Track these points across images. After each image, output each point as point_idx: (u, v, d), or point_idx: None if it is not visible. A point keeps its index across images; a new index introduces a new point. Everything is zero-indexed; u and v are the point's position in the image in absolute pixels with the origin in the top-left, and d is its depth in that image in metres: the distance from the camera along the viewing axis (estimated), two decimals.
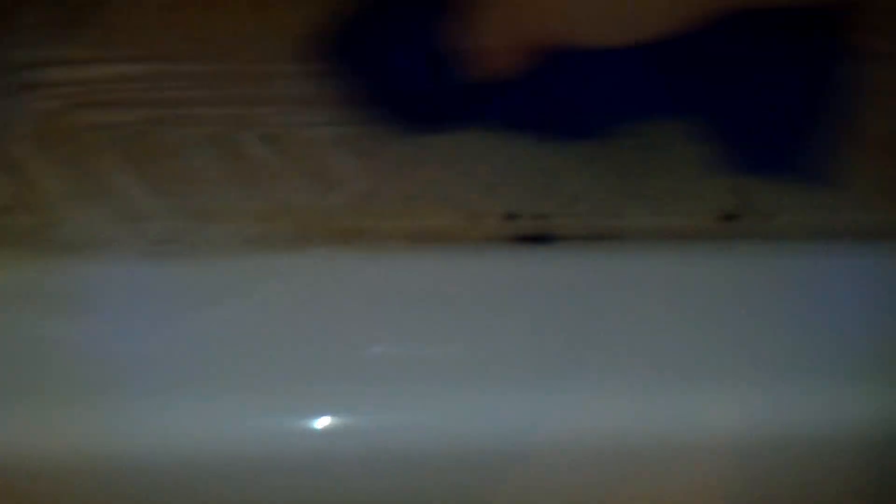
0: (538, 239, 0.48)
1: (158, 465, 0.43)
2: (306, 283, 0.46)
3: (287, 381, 0.44)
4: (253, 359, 0.44)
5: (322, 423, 0.43)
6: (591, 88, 0.49)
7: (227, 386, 0.43)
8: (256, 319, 0.45)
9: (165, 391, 0.43)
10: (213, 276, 0.46)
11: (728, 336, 0.45)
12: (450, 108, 0.50)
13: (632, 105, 0.50)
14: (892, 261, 0.47)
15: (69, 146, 0.50)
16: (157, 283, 0.46)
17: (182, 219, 0.48)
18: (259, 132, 0.51)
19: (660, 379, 0.44)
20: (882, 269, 0.47)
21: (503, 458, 0.44)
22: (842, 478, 0.46)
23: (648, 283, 0.47)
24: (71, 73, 0.54)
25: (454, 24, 0.46)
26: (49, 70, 0.54)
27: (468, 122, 0.51)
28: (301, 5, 0.56)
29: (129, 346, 0.44)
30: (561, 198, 0.49)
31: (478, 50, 0.46)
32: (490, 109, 0.51)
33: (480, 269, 0.47)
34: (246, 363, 0.44)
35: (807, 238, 0.48)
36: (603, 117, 0.50)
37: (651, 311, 0.46)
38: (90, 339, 0.44)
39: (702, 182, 0.50)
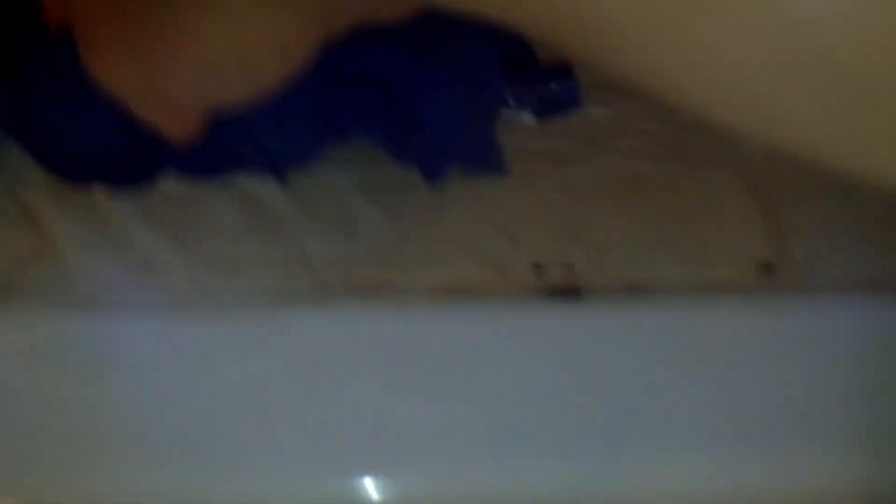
0: (566, 291, 0.46)
1: None
2: (328, 337, 0.45)
3: (306, 438, 0.42)
4: (272, 415, 0.43)
5: (340, 482, 0.42)
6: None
7: (245, 443, 0.42)
8: (276, 375, 0.44)
9: (183, 449, 0.42)
10: (233, 331, 0.45)
11: (766, 394, 0.43)
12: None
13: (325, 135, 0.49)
14: None
15: (87, 198, 0.49)
16: (177, 337, 0.45)
17: (201, 271, 0.47)
18: (279, 183, 0.50)
19: (692, 439, 0.43)
20: None
21: None
22: None
23: (680, 337, 0.46)
24: None
25: None
26: None
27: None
28: None
29: (149, 403, 0.43)
30: (588, 247, 0.48)
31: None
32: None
33: (508, 324, 0.46)
34: (265, 420, 0.43)
35: (850, 289, 0.46)
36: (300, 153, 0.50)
37: (683, 366, 0.44)
38: (109, 397, 0.43)
39: (736, 231, 0.49)
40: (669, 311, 0.46)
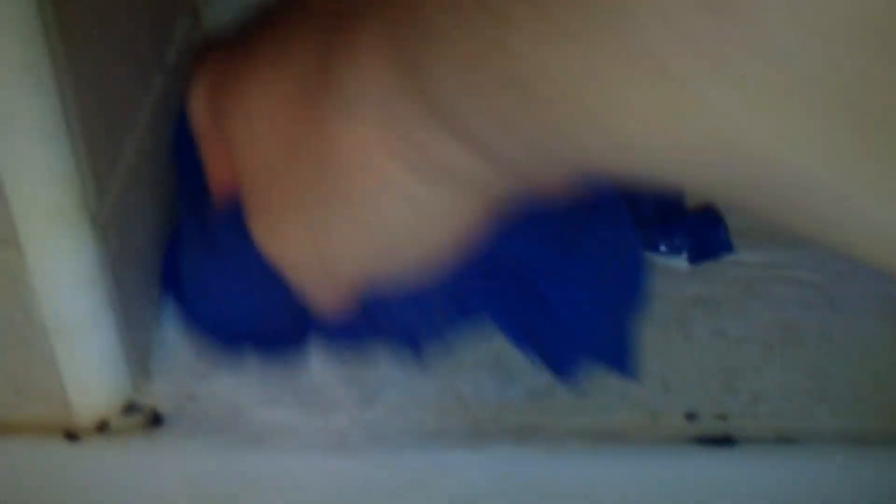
0: (720, 441, 0.47)
1: None
2: (481, 479, 0.46)
3: None
4: None
5: None
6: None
7: None
8: None
9: None
10: (392, 470, 0.46)
11: None
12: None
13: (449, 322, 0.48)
14: None
15: None
16: (338, 475, 0.46)
17: (363, 410, 0.48)
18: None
19: None
20: None
21: None
22: None
23: (834, 489, 0.45)
24: None
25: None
26: None
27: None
28: None
29: None
30: (742, 397, 0.48)
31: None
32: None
33: (661, 471, 0.46)
34: None
35: None
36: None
37: None
38: None
39: (892, 383, 0.48)
40: (821, 461, 0.45)
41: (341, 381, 0.50)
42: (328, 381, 0.50)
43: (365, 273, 0.43)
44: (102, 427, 0.49)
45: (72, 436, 0.48)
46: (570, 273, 0.46)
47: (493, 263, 0.45)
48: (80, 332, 0.47)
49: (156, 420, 0.49)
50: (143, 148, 0.50)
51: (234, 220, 0.45)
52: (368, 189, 0.38)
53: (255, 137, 0.42)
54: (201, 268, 0.50)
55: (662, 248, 0.57)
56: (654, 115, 0.26)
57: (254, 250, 0.44)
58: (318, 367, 0.50)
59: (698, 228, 0.57)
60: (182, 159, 0.52)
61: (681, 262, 0.56)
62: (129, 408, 0.49)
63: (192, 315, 0.52)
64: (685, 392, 0.49)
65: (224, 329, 0.51)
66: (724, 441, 0.47)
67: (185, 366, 0.51)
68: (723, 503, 0.45)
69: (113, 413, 0.49)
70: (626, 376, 0.48)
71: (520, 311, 0.47)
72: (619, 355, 0.48)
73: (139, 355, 0.50)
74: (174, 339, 0.52)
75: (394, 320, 0.47)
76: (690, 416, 0.48)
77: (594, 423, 0.48)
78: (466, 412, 0.48)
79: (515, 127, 0.31)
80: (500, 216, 0.40)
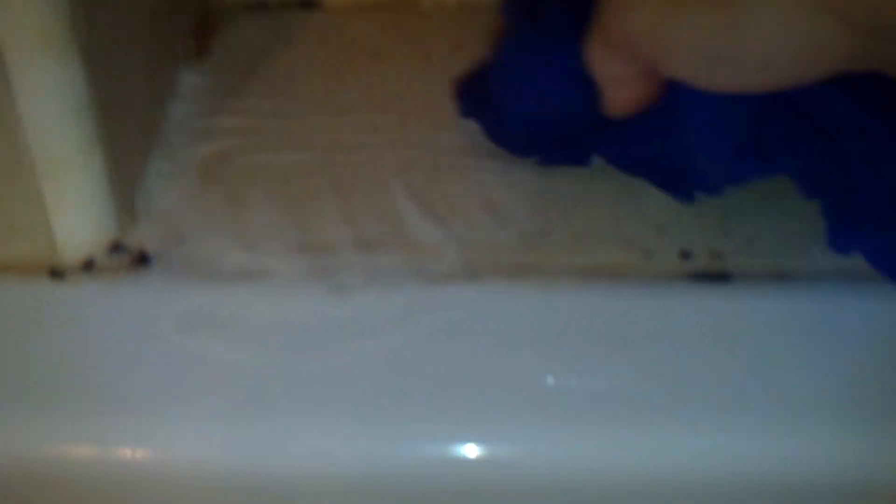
0: (715, 277, 0.46)
1: (306, 486, 0.43)
2: (476, 313, 0.45)
3: (450, 409, 0.43)
4: (416, 387, 0.43)
5: (479, 452, 0.42)
6: (706, 138, 0.47)
7: (388, 413, 0.43)
8: (423, 349, 0.44)
9: (326, 415, 0.43)
10: (382, 307, 0.46)
11: None
12: (584, 146, 0.51)
13: (745, 162, 0.47)
14: None
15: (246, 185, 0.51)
16: (327, 311, 0.46)
17: (354, 250, 0.48)
18: (427, 174, 0.52)
19: (840, 422, 0.42)
20: None
21: (654, 491, 0.42)
22: None
23: (830, 325, 0.45)
24: (240, 122, 0.56)
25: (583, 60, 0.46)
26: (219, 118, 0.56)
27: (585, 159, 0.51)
28: (463, 56, 0.58)
29: (297, 370, 0.44)
30: (738, 237, 0.48)
31: (609, 83, 0.46)
32: (607, 148, 0.50)
33: (655, 307, 0.45)
34: (409, 391, 0.43)
35: None
36: (719, 173, 0.48)
37: (835, 353, 0.44)
38: (257, 361, 0.44)
39: None
40: (817, 297, 0.45)
41: (335, 222, 0.49)
42: (322, 219, 0.49)
43: (699, 78, 0.42)
44: (88, 266, 0.48)
45: (57, 274, 0.47)
46: (882, 140, 0.44)
47: (806, 115, 0.45)
48: (68, 166, 0.46)
49: (142, 260, 0.48)
50: None
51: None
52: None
53: None
54: (521, 61, 0.50)
55: None
56: None
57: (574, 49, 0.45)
58: (313, 206, 0.50)
59: None
60: None
61: None
62: (116, 247, 0.48)
63: (491, 118, 0.52)
64: (679, 233, 0.48)
65: (517, 131, 0.51)
66: (719, 277, 0.46)
67: (172, 208, 0.50)
68: (718, 339, 0.44)
69: (99, 252, 0.48)
70: None
71: (820, 168, 0.45)
72: None
73: (126, 194, 0.49)
74: (162, 182, 0.52)
75: (682, 151, 0.47)
76: (685, 255, 0.47)
77: (588, 262, 0.47)
78: (458, 251, 0.48)
79: None
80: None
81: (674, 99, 0.45)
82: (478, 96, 0.54)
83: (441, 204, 0.50)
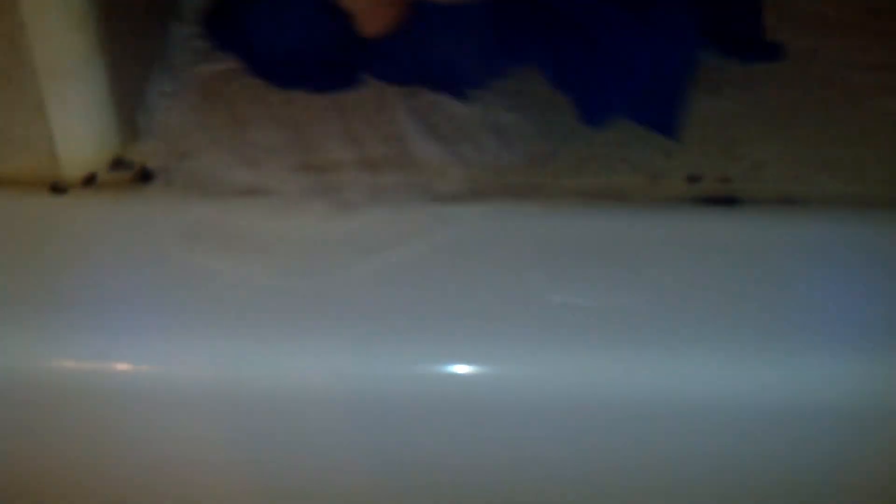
0: (722, 201, 0.46)
1: (299, 398, 0.43)
2: (481, 231, 0.45)
3: (452, 328, 0.42)
4: (419, 305, 0.43)
5: (479, 370, 0.42)
6: (455, 41, 0.49)
7: (392, 330, 0.42)
8: (427, 268, 0.44)
9: (328, 332, 0.42)
10: (385, 225, 0.45)
11: None
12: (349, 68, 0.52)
13: (495, 58, 0.50)
14: None
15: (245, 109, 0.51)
16: (331, 228, 0.45)
17: (358, 170, 0.47)
18: (431, 95, 0.51)
19: (843, 345, 0.42)
20: None
21: (657, 412, 0.42)
22: None
23: (835, 248, 0.45)
24: None
25: None
26: None
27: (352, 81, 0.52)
28: None
29: (301, 285, 0.44)
30: (746, 163, 0.48)
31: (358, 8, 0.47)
32: (373, 68, 0.52)
33: (661, 229, 0.45)
34: (412, 309, 0.43)
35: None
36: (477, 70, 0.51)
37: (840, 277, 0.44)
38: (259, 277, 0.44)
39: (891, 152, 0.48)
40: (823, 221, 0.45)
41: (341, 141, 0.49)
42: (338, 140, 0.49)
43: None
44: (90, 181, 0.47)
45: (59, 188, 0.47)
46: (627, 27, 0.47)
47: (551, 11, 0.47)
48: (70, 75, 0.45)
49: (144, 176, 0.48)
50: None
51: None
52: None
53: None
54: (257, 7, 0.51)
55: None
56: None
57: None
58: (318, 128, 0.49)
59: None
60: None
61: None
62: (118, 163, 0.48)
63: (250, 56, 0.53)
64: (687, 158, 0.48)
65: (282, 67, 0.52)
66: (726, 201, 0.46)
67: (175, 125, 0.50)
68: (725, 262, 0.44)
69: (101, 167, 0.48)
70: (667, 136, 0.48)
71: (567, 56, 0.48)
72: (660, 113, 0.48)
73: (128, 110, 0.49)
74: (164, 100, 0.51)
75: (440, 56, 0.49)
76: (692, 179, 0.47)
77: (593, 184, 0.47)
78: (467, 173, 0.47)
79: None
80: None
81: (422, 12, 0.47)
82: (229, 29, 0.54)
83: (446, 125, 0.50)
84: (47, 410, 0.44)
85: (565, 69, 0.47)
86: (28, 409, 0.44)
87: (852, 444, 0.42)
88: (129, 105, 0.49)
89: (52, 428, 0.44)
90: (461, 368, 0.42)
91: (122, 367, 0.43)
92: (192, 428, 0.43)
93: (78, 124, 0.46)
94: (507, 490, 0.44)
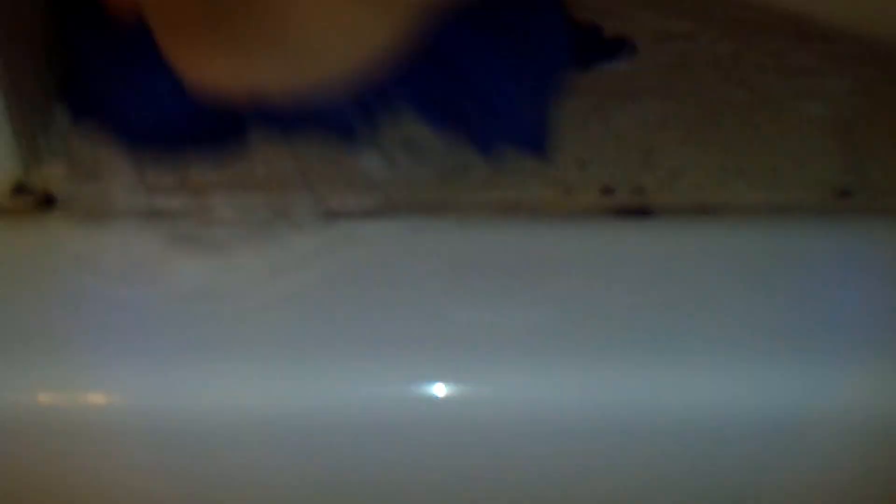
0: (636, 212, 0.45)
1: (238, 429, 0.42)
2: (392, 248, 0.44)
3: (368, 347, 0.42)
4: (328, 325, 0.42)
5: (401, 389, 0.41)
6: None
7: (299, 352, 0.42)
8: (339, 286, 0.43)
9: (233, 357, 0.42)
10: (297, 245, 0.44)
11: (836, 312, 0.42)
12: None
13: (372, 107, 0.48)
14: None
15: None
16: (245, 249, 0.44)
17: (267, 190, 0.46)
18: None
19: (758, 354, 0.41)
20: None
21: (587, 430, 0.41)
22: None
23: (751, 257, 0.44)
24: None
25: None
26: None
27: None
28: None
29: (205, 310, 0.43)
30: (659, 173, 0.47)
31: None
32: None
33: (576, 241, 0.44)
34: (321, 329, 0.42)
35: None
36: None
37: (754, 285, 0.43)
38: (178, 302, 0.43)
39: (810, 158, 0.47)
40: (738, 231, 0.44)
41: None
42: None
43: (288, 83, 0.42)
44: None
45: None
46: (493, 54, 0.46)
47: (419, 51, 0.45)
48: None
49: (47, 202, 0.46)
50: None
51: (141, 39, 0.44)
52: (301, 15, 0.38)
53: None
54: (122, 87, 0.48)
55: None
56: None
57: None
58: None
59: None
60: None
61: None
62: (20, 189, 0.47)
63: (123, 134, 0.49)
64: (601, 170, 0.47)
65: (162, 138, 0.49)
66: (640, 212, 0.45)
67: (78, 150, 0.49)
68: (641, 274, 0.43)
69: (2, 194, 0.46)
70: (540, 157, 0.47)
71: (441, 94, 0.46)
72: (535, 136, 0.47)
73: (30, 135, 0.47)
74: (68, 125, 0.50)
75: (323, 116, 0.47)
76: (606, 191, 0.46)
77: (506, 198, 0.46)
78: (377, 190, 0.46)
79: None
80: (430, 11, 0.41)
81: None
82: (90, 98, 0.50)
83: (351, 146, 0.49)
84: None
85: (439, 106, 0.46)
86: None
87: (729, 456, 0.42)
88: (31, 130, 0.48)
89: None
90: (374, 390, 0.41)
91: (21, 395, 0.41)
92: (94, 457, 0.42)
93: None
94: None
